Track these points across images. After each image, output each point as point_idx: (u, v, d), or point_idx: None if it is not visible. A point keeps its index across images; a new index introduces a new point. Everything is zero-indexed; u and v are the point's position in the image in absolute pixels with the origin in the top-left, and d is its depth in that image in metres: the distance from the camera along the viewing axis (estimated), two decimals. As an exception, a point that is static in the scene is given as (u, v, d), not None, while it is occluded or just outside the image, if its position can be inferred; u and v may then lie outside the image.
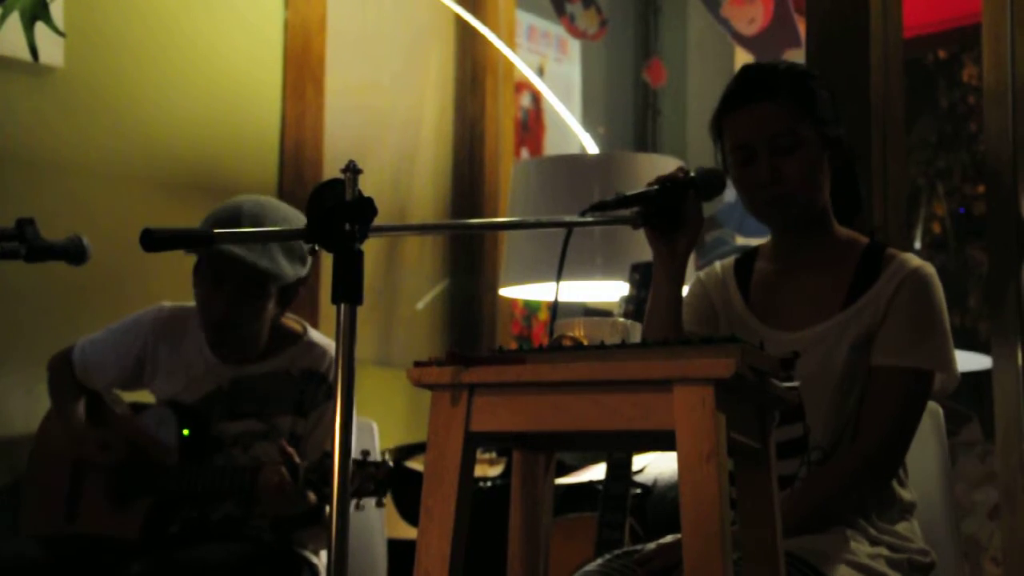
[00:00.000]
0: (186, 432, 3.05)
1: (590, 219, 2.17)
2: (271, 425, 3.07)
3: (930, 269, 2.35)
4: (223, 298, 3.02)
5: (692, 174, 2.25)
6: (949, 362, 2.32)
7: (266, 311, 3.05)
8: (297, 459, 2.86)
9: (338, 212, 1.82)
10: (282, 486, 2.84)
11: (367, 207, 1.83)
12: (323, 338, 3.16)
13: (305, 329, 3.19)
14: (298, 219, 3.01)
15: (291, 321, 3.19)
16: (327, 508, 2.81)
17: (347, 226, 1.82)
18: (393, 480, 2.78)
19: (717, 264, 2.49)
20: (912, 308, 2.30)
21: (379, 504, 2.80)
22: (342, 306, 1.83)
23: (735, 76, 2.40)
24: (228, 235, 1.93)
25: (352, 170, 1.84)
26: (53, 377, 3.26)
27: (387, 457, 2.87)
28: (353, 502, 2.71)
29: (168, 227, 1.88)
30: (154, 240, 1.85)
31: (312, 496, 2.87)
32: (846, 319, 2.32)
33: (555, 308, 2.05)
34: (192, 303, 3.15)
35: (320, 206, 1.83)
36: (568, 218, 2.17)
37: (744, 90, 2.35)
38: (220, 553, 2.95)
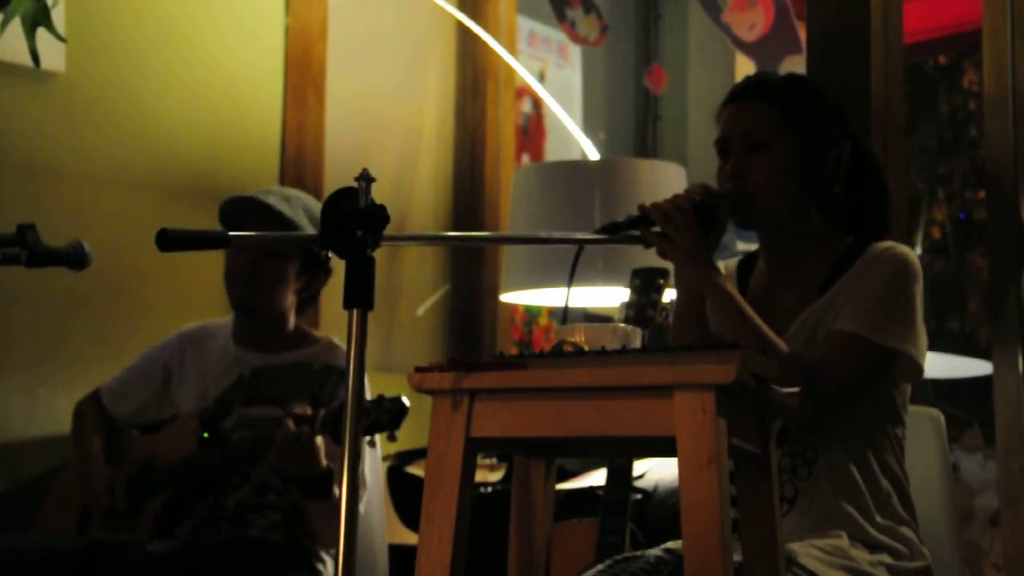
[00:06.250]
0: (206, 435, 3.14)
1: (601, 237, 2.21)
2: (289, 412, 3.10)
3: (903, 250, 2.31)
4: (248, 256, 3.12)
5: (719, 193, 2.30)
6: (903, 341, 2.24)
7: (287, 274, 3.15)
8: (310, 411, 2.92)
9: (351, 219, 1.85)
10: (298, 434, 2.88)
11: (380, 215, 1.85)
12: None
13: (328, 337, 3.31)
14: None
15: (315, 331, 3.34)
16: (336, 489, 2.92)
17: (360, 233, 1.84)
18: (405, 415, 2.82)
19: (721, 265, 2.48)
20: (873, 283, 2.27)
21: (391, 438, 2.83)
22: (354, 311, 1.84)
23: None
24: (242, 236, 1.96)
25: (365, 179, 1.86)
26: (79, 415, 3.32)
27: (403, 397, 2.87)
28: (367, 439, 2.85)
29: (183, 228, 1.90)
30: (169, 240, 1.87)
31: (322, 448, 2.90)
32: (823, 305, 2.31)
33: (565, 315, 2.06)
34: (215, 320, 3.32)
35: (334, 213, 1.85)
36: (580, 235, 2.20)
37: (738, 89, 2.41)
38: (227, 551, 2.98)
